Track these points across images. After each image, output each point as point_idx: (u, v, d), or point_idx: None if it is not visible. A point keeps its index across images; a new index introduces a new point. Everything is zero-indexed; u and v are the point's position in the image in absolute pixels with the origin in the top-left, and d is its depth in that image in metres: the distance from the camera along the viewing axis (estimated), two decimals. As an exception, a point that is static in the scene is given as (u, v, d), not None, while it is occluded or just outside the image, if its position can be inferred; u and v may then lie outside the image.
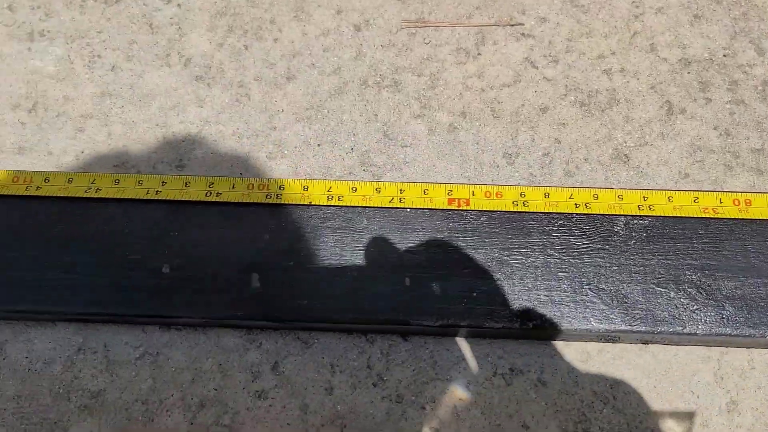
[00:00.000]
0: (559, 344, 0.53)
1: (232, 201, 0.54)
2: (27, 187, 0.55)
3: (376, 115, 0.63)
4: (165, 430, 0.51)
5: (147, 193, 0.54)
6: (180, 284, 0.52)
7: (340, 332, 0.53)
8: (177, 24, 0.68)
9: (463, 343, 0.53)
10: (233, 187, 0.55)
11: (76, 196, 0.55)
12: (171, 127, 0.63)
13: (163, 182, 0.55)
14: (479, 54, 0.65)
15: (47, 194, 0.55)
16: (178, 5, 0.69)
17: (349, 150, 0.61)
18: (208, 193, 0.54)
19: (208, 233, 0.53)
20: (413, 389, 0.52)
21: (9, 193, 0.55)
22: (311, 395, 0.52)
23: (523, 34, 0.66)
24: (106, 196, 0.55)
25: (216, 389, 0.52)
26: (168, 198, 0.54)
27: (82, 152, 0.62)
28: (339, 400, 0.52)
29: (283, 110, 0.63)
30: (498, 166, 0.60)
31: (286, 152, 0.61)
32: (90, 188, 0.55)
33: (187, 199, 0.54)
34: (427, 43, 0.66)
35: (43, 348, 0.54)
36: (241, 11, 0.68)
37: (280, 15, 0.68)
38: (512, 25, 0.66)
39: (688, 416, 0.49)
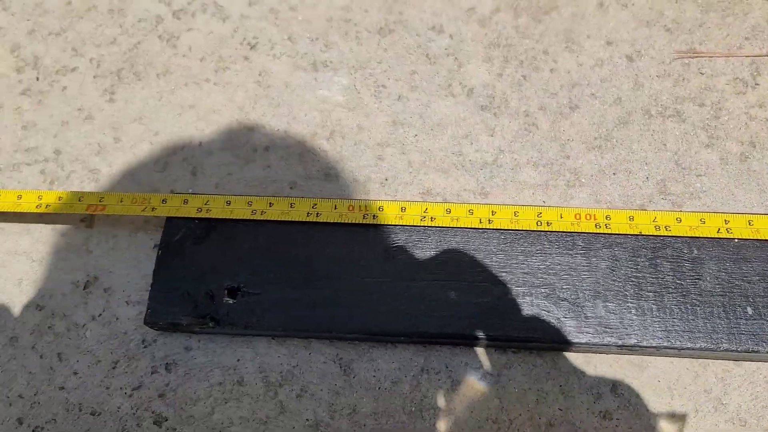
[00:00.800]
0: None
1: (562, 230, 0.57)
2: (364, 216, 0.59)
3: (665, 144, 0.65)
4: (519, 448, 0.54)
5: (480, 222, 0.58)
6: (521, 308, 0.54)
7: (673, 357, 0.56)
8: (453, 55, 0.71)
9: (797, 370, 0.55)
10: (561, 217, 0.58)
11: (411, 224, 0.58)
12: (467, 156, 0.66)
13: (492, 212, 0.58)
14: (757, 84, 0.67)
15: (382, 222, 0.58)
16: (450, 36, 0.72)
17: (644, 179, 0.64)
18: (539, 223, 0.57)
19: (542, 260, 0.56)
20: (755, 413, 0.54)
21: (346, 221, 0.58)
22: (655, 417, 0.54)
23: (798, 64, 0.68)
24: (441, 225, 0.58)
25: (561, 410, 0.55)
26: (499, 227, 0.57)
27: (386, 180, 0.65)
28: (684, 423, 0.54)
29: (572, 139, 0.66)
30: (798, 196, 0.62)
31: (583, 180, 0.64)
32: (424, 217, 0.58)
33: (517, 228, 0.57)
34: (702, 74, 0.68)
35: (388, 368, 0.57)
36: (513, 42, 0.71)
37: (551, 45, 0.71)
38: (785, 56, 0.68)
39: None
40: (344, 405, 0.56)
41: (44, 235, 0.64)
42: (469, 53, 0.71)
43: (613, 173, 0.64)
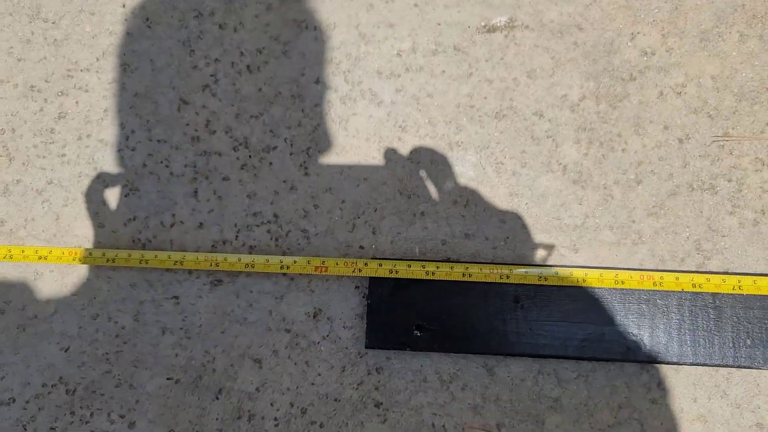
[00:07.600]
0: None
1: (630, 287, 0.90)
2: (501, 275, 0.92)
3: (701, 212, 0.96)
4: None
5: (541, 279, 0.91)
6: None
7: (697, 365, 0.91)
8: (551, 137, 1.00)
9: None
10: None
11: (532, 283, 0.91)
12: (563, 220, 0.97)
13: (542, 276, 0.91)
14: (770, 164, 0.97)
15: (517, 281, 0.92)
16: (549, 120, 1.01)
17: (686, 237, 0.95)
18: (541, 278, 0.91)
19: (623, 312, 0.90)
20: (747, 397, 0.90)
21: (484, 280, 0.92)
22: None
23: (801, 148, 0.97)
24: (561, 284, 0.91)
25: (626, 398, 0.92)
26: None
27: (507, 238, 0.98)
28: None
29: (636, 207, 0.97)
30: (789, 252, 0.94)
31: (644, 240, 0.96)
32: (541, 277, 0.91)
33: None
34: (732, 154, 0.98)
35: (517, 370, 0.93)
36: (595, 126, 1.00)
37: (624, 130, 1.00)
38: (793, 141, 0.97)
39: None
40: (491, 394, 0.93)
41: (281, 279, 0.98)
42: (564, 135, 1.00)
43: (665, 234, 0.96)
